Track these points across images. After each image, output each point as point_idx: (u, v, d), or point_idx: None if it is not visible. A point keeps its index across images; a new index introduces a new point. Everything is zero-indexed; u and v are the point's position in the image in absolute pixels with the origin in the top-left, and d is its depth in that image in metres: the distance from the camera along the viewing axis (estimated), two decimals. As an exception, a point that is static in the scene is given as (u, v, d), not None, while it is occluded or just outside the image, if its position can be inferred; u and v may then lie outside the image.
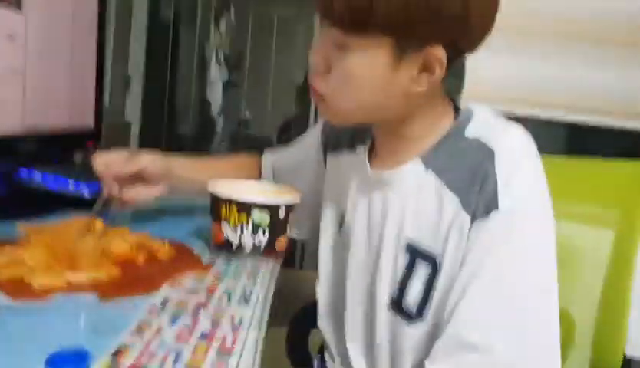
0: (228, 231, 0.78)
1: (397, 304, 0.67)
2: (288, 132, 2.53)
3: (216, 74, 2.74)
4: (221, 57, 2.81)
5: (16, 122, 0.90)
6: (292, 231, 0.88)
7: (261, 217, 0.77)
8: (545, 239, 0.62)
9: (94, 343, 0.48)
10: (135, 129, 2.05)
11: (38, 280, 0.59)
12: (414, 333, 0.65)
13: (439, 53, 0.62)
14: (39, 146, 0.95)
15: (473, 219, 0.62)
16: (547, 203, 0.64)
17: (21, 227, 0.76)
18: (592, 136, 1.73)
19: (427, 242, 0.66)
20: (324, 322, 0.84)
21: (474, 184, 0.63)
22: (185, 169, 0.92)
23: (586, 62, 1.64)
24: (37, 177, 0.89)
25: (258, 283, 0.71)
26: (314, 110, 2.05)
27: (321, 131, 0.90)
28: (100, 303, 0.58)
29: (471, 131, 0.68)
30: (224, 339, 0.54)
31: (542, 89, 1.64)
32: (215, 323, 0.57)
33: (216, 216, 0.79)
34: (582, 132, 1.73)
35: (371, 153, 0.76)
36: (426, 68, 0.63)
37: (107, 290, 0.61)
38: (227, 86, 2.74)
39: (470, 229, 0.62)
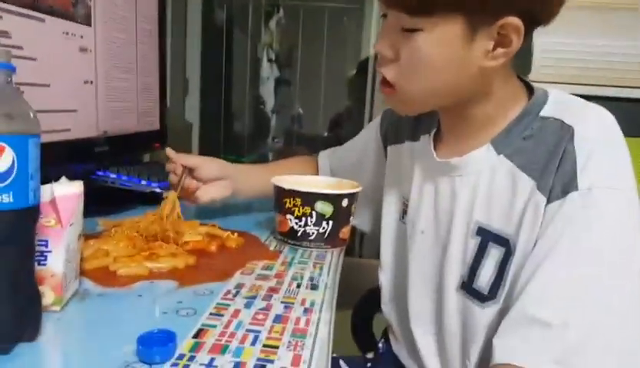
0: (293, 222, 0.80)
1: (468, 286, 0.67)
2: (341, 126, 2.54)
3: (268, 72, 2.79)
4: (272, 55, 2.86)
5: (91, 127, 0.96)
6: (355, 222, 0.91)
7: (324, 208, 0.80)
8: (626, 223, 0.58)
9: (177, 325, 0.52)
10: (195, 130, 2.12)
11: (123, 269, 0.64)
12: (486, 314, 0.65)
13: (516, 22, 0.60)
14: (112, 148, 1.00)
15: (548, 200, 0.60)
16: (632, 185, 0.60)
17: (102, 222, 0.82)
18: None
19: (498, 225, 0.65)
20: (388, 307, 0.85)
21: (551, 163, 0.61)
22: (245, 173, 0.96)
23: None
24: (112, 177, 0.95)
25: (324, 270, 0.73)
26: (369, 104, 2.06)
27: (379, 125, 0.92)
28: (179, 290, 0.62)
29: (548, 111, 0.65)
30: (297, 321, 0.56)
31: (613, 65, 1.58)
32: (287, 307, 0.59)
33: (281, 208, 0.82)
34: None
35: (436, 140, 0.75)
36: (502, 40, 0.61)
37: (184, 278, 0.64)
38: (279, 83, 2.79)
39: (545, 209, 0.60)
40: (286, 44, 2.79)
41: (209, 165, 0.89)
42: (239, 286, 0.64)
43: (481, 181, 0.67)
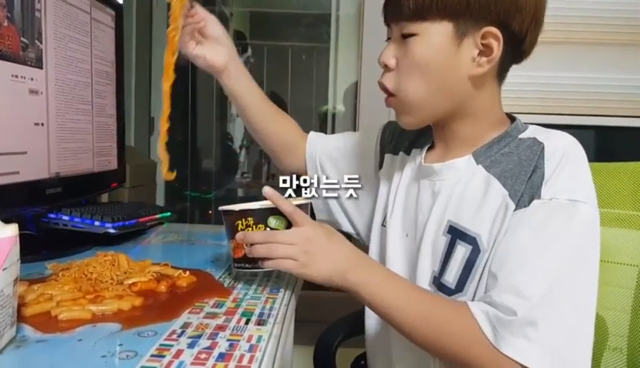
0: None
1: (437, 280, 0.74)
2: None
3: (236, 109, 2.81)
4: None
5: (42, 169, 0.95)
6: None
7: (277, 222, 0.77)
8: (579, 232, 0.66)
9: (116, 368, 0.51)
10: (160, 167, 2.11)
11: (64, 314, 0.62)
12: None
13: (495, 31, 0.70)
14: (65, 189, 0.99)
15: (516, 207, 0.69)
16: (591, 198, 0.68)
17: (51, 266, 0.80)
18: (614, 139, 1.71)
19: (466, 224, 0.73)
20: (371, 325, 0.89)
21: (522, 174, 0.70)
22: (242, 66, 0.98)
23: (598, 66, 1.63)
24: (65, 219, 0.93)
25: (276, 304, 0.73)
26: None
27: (380, 132, 0.96)
28: (122, 332, 0.60)
29: (527, 134, 0.75)
30: (241, 358, 0.55)
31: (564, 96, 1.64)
32: (232, 345, 0.58)
33: (233, 233, 0.78)
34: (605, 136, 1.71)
35: (427, 154, 0.83)
36: (485, 50, 0.71)
37: (129, 320, 0.63)
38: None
39: (513, 214, 0.68)
40: (257, 81, 2.83)
41: (216, 23, 0.90)
42: (185, 326, 0.63)
43: (458, 186, 0.76)
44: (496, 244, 0.69)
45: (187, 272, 0.79)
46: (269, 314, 0.68)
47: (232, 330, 0.63)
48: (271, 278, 0.84)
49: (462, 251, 0.73)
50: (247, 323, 0.65)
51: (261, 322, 0.66)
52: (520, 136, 0.75)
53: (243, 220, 0.77)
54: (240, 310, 0.69)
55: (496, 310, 0.64)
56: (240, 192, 2.53)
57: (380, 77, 0.77)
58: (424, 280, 0.76)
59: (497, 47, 0.70)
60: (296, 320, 1.37)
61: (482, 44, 0.71)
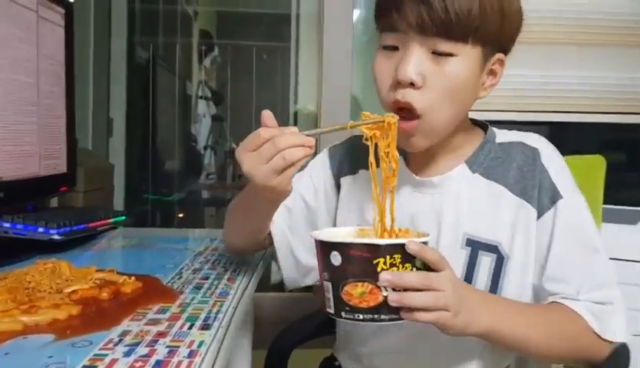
0: (389, 288, 0.60)
1: None
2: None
3: (202, 109, 2.77)
4: (207, 92, 2.84)
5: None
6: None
7: (421, 263, 0.62)
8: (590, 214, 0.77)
9: (43, 381, 0.48)
10: (120, 170, 2.06)
11: (-6, 326, 0.59)
12: None
13: (503, 58, 0.74)
14: (8, 194, 0.95)
15: (541, 212, 0.74)
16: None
17: (-14, 275, 0.76)
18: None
19: (486, 235, 0.74)
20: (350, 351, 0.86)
21: (530, 179, 0.75)
22: None
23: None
24: (6, 225, 0.89)
25: (224, 307, 0.71)
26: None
27: (327, 162, 0.88)
28: (54, 343, 0.57)
29: (501, 138, 0.80)
30: (179, 364, 0.53)
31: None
32: (172, 351, 0.56)
33: (368, 273, 0.60)
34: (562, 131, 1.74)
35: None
36: (490, 74, 0.74)
37: (64, 330, 0.60)
38: (213, 120, 2.77)
39: (539, 220, 0.74)
40: (221, 81, 2.79)
41: None
42: (124, 334, 0.60)
43: (462, 196, 0.76)
44: (527, 249, 0.74)
45: (132, 278, 0.76)
46: (215, 318, 0.66)
47: (174, 336, 0.60)
48: (222, 280, 0.82)
49: (487, 261, 0.74)
50: (191, 328, 0.63)
51: (205, 326, 0.63)
52: (498, 141, 0.79)
53: (388, 257, 0.60)
54: (185, 315, 0.67)
55: (598, 305, 0.72)
56: (205, 194, 2.50)
57: (395, 93, 0.70)
58: None
59: (501, 73, 0.75)
60: (259, 323, 1.36)
61: (490, 69, 0.74)
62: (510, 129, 0.84)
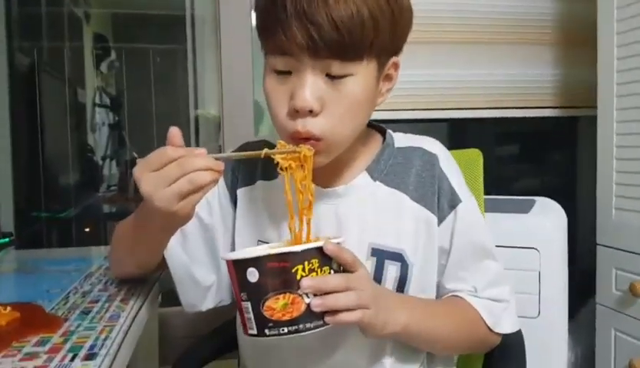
0: (310, 295, 0.60)
1: None
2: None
3: (100, 117, 2.63)
4: (105, 98, 2.70)
5: None
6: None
7: (337, 265, 0.63)
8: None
9: None
10: (7, 188, 1.89)
11: None
12: None
13: (398, 61, 0.73)
14: None
15: (441, 217, 0.76)
16: None
17: None
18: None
19: (390, 243, 0.74)
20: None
21: (430, 186, 0.76)
22: None
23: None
24: None
25: (114, 332, 0.66)
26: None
27: (222, 176, 0.83)
28: None
29: (400, 143, 0.80)
30: (56, 404, 0.49)
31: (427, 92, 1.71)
32: (49, 388, 0.51)
33: (288, 283, 0.59)
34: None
35: None
36: (387, 78, 0.73)
37: None
38: (112, 128, 2.63)
39: (440, 225, 0.76)
40: (119, 87, 2.66)
41: None
42: (-6, 373, 0.55)
43: (366, 205, 0.75)
44: (429, 254, 0.76)
45: (8, 308, 0.70)
46: (102, 346, 0.62)
47: (53, 370, 0.55)
48: (114, 302, 0.77)
49: (393, 269, 0.74)
50: (73, 359, 0.58)
51: (90, 356, 0.59)
52: (397, 146, 0.80)
53: (306, 263, 0.60)
54: (68, 345, 0.62)
55: (493, 303, 0.77)
56: (106, 208, 2.36)
57: (295, 123, 0.67)
58: None
59: (396, 74, 0.74)
60: (166, 340, 1.30)
61: (386, 75, 0.73)
62: (408, 131, 0.85)
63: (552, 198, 1.43)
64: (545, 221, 1.34)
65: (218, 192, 0.82)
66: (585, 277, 1.51)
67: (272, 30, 0.65)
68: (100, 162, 2.46)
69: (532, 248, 1.30)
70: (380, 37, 0.66)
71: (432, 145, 0.81)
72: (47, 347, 0.61)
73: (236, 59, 1.73)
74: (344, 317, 0.61)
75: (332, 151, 0.71)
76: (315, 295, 0.60)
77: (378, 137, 0.82)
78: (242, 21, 1.69)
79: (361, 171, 0.77)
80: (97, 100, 2.67)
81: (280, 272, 0.59)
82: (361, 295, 0.62)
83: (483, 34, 1.73)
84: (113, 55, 2.74)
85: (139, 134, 2.59)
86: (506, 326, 0.79)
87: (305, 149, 0.67)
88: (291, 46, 0.64)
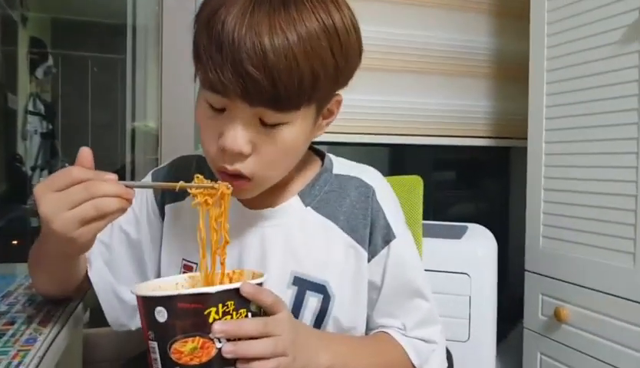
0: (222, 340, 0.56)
1: None
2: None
3: (33, 125, 2.51)
4: (40, 106, 2.58)
5: None
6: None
7: (256, 308, 0.60)
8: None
9: None
10: None
11: None
12: None
13: (340, 98, 0.70)
14: None
15: (373, 253, 0.74)
16: None
17: None
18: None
19: (314, 273, 0.72)
20: None
21: (362, 219, 0.74)
22: None
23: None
24: None
25: (29, 357, 0.62)
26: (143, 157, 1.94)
27: (153, 190, 0.81)
28: None
29: (339, 170, 0.78)
30: None
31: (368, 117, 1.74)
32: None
33: (199, 326, 0.55)
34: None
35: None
36: (329, 113, 0.71)
37: None
38: (45, 137, 2.52)
39: (371, 261, 0.74)
40: (55, 94, 2.56)
41: None
42: None
43: (293, 231, 0.73)
44: (358, 289, 0.74)
45: None
46: (15, 371, 0.58)
47: (-43, 399, 0.51)
48: (32, 324, 0.72)
49: (314, 301, 0.72)
50: (-19, 387, 0.54)
51: (0, 384, 0.55)
52: (335, 172, 0.78)
53: (221, 306, 0.55)
54: (-24, 372, 0.58)
55: (421, 343, 0.77)
56: (34, 222, 2.24)
57: (229, 161, 0.64)
58: None
59: (337, 111, 0.72)
60: (93, 362, 1.23)
61: (327, 110, 0.70)
62: (349, 154, 0.84)
63: (485, 224, 1.48)
64: (477, 247, 1.38)
65: (147, 207, 0.79)
66: (514, 301, 1.57)
67: (206, 67, 0.61)
68: (30, 173, 2.34)
69: (464, 273, 1.33)
70: (320, 91, 0.63)
71: (370, 177, 0.78)
72: (-48, 374, 0.57)
73: (178, 71, 1.70)
74: (257, 365, 0.57)
75: (262, 186, 0.69)
76: (229, 340, 0.56)
77: (317, 161, 0.80)
78: (184, 32, 1.67)
79: (293, 194, 0.75)
80: (31, 107, 2.55)
81: (191, 314, 0.55)
82: (277, 342, 0.58)
83: (420, 64, 1.79)
84: (50, 61, 2.64)
85: (73, 144, 2.49)
86: (433, 367, 0.77)
87: (224, 187, 0.63)
88: (224, 89, 0.60)
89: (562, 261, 1.38)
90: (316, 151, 0.82)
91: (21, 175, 2.29)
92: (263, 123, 0.63)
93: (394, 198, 0.80)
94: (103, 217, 0.56)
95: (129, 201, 0.57)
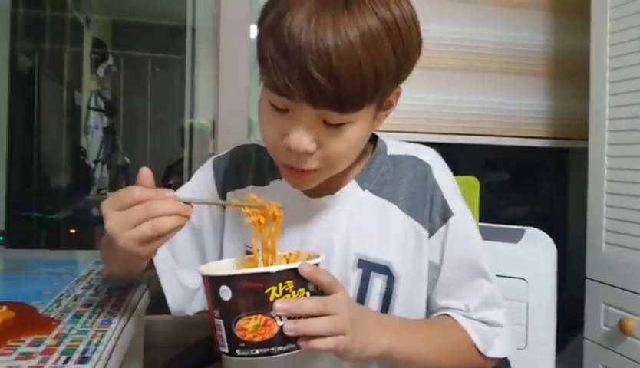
0: (284, 317, 0.58)
1: None
2: (173, 177, 2.46)
3: (94, 121, 2.63)
4: (100, 102, 2.70)
5: None
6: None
7: (314, 287, 0.61)
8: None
9: None
10: (0, 185, 1.88)
11: None
12: None
13: (400, 90, 0.71)
14: None
15: (432, 230, 0.74)
16: None
17: None
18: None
19: (376, 255, 0.73)
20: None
21: (421, 197, 0.75)
22: None
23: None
24: None
25: (106, 337, 0.66)
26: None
27: (212, 176, 0.84)
28: None
29: (393, 151, 0.79)
30: (50, 405, 0.49)
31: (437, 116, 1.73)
32: (43, 390, 0.51)
33: (262, 304, 0.58)
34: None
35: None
36: (388, 105, 0.71)
37: None
38: (106, 132, 2.63)
39: (430, 238, 0.74)
40: (114, 92, 2.67)
41: None
42: (-14, 372, 0.54)
43: (354, 216, 0.74)
44: (419, 268, 0.74)
45: (4, 307, 0.70)
46: (95, 350, 0.62)
47: (47, 372, 0.55)
48: (105, 307, 0.76)
49: (379, 282, 0.73)
50: (67, 362, 0.58)
51: (83, 360, 0.59)
52: (389, 153, 0.78)
53: (280, 285, 0.57)
54: (61, 348, 0.62)
55: (485, 326, 0.75)
56: (95, 212, 2.35)
57: (289, 158, 0.67)
58: None
59: (396, 103, 0.72)
60: (151, 348, 1.29)
61: (387, 102, 0.70)
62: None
63: (541, 228, 1.42)
64: (535, 251, 1.32)
65: (208, 194, 0.83)
66: (574, 309, 1.51)
67: (271, 71, 0.62)
68: (93, 165, 2.45)
69: (521, 278, 1.28)
70: (382, 90, 0.65)
71: (426, 154, 0.78)
72: (41, 348, 0.61)
73: (233, 71, 1.74)
74: (317, 343, 0.58)
75: (324, 178, 0.71)
76: (289, 318, 0.58)
77: (369, 144, 0.79)
78: (241, 34, 1.71)
79: (350, 180, 0.76)
80: (92, 104, 2.67)
81: (253, 292, 0.57)
82: (336, 321, 0.59)
83: (475, 62, 1.75)
84: (110, 60, 2.76)
85: (132, 139, 2.60)
86: (498, 351, 0.75)
87: (275, 208, 0.65)
88: (289, 92, 0.61)
89: (628, 269, 1.32)
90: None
91: (85, 168, 2.40)
92: (327, 124, 0.64)
93: (450, 176, 0.79)
94: (162, 236, 0.59)
95: (187, 216, 0.60)
